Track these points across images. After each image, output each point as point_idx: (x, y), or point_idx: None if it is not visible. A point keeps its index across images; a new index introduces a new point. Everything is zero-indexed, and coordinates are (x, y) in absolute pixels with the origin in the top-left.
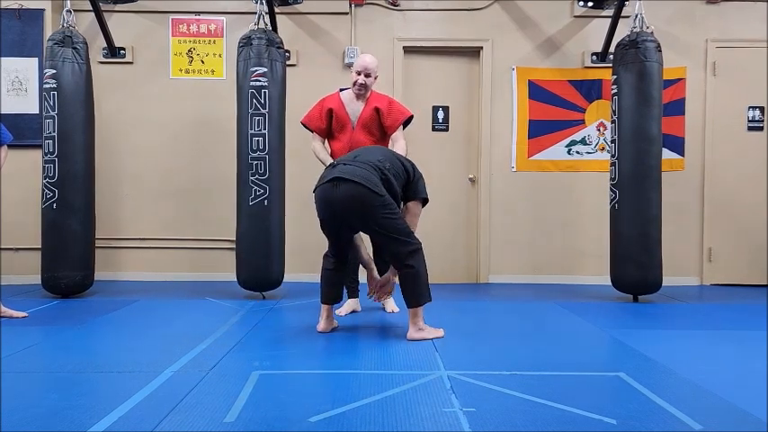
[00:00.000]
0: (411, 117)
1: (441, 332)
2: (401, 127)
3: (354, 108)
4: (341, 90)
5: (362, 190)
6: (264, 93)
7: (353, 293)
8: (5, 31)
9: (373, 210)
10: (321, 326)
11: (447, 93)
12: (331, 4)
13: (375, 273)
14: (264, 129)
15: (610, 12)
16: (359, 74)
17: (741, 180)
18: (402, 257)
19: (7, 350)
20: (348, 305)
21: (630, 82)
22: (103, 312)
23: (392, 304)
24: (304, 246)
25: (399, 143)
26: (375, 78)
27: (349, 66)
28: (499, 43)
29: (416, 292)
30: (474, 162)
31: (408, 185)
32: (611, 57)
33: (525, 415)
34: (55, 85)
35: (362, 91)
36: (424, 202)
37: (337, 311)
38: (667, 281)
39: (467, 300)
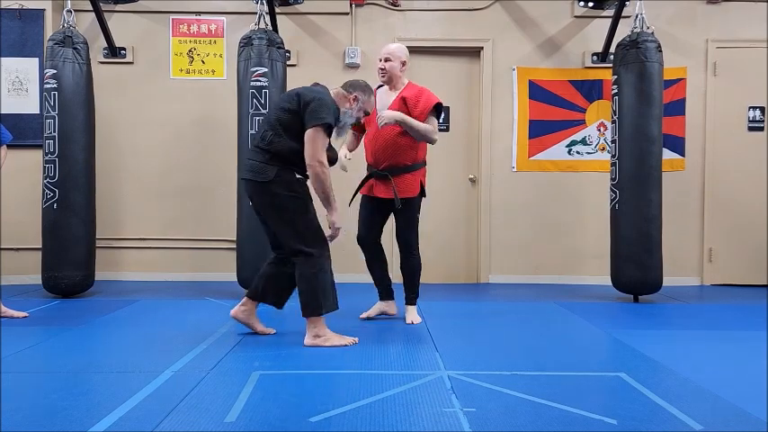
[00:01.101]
0: (439, 104)
1: (347, 340)
2: (432, 116)
3: (385, 101)
4: (378, 87)
5: (251, 185)
6: (265, 93)
7: (385, 296)
8: (6, 31)
9: (264, 206)
10: (233, 310)
11: (447, 93)
12: (332, 5)
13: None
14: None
15: (610, 12)
16: (380, 60)
17: (742, 180)
18: (294, 255)
19: (8, 350)
20: (376, 307)
21: (631, 82)
22: (104, 312)
23: (413, 315)
24: None
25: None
26: (402, 64)
27: (349, 66)
28: (500, 43)
29: (303, 300)
30: (474, 162)
31: (305, 115)
32: (612, 57)
33: (526, 415)
34: (55, 85)
35: (385, 77)
36: (324, 127)
37: (364, 314)
38: (668, 281)
39: (467, 300)
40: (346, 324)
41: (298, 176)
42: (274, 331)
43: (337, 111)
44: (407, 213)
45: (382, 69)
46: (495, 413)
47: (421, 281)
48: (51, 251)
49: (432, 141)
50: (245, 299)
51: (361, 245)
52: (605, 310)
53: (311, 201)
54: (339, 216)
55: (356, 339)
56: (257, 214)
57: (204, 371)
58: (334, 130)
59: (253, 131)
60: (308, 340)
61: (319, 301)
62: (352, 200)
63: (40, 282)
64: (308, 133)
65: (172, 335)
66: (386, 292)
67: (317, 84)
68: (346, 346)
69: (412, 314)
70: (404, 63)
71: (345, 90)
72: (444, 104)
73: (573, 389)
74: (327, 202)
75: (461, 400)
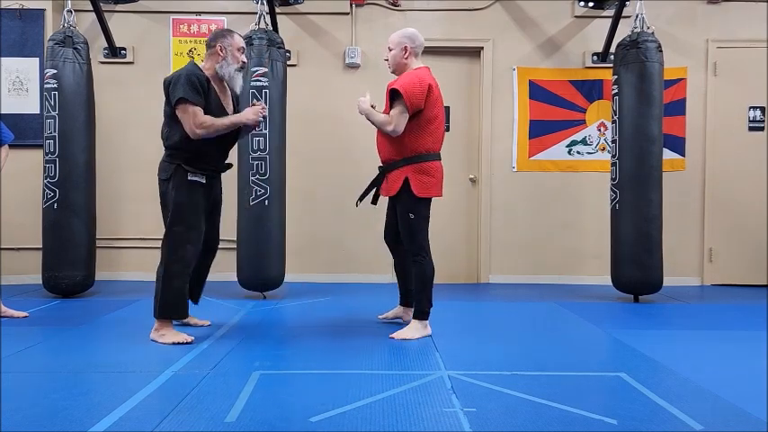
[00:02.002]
0: (396, 90)
1: (181, 337)
2: (397, 104)
3: None
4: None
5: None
6: (265, 93)
7: (402, 300)
8: (6, 31)
9: (162, 201)
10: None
11: (448, 93)
12: (332, 5)
13: None
14: (265, 129)
15: (610, 12)
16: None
17: (742, 180)
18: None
19: (8, 350)
20: (392, 311)
21: (631, 82)
22: (104, 312)
23: (407, 330)
24: (305, 246)
25: (379, 118)
26: (404, 50)
27: (350, 66)
28: (500, 43)
29: (155, 299)
30: (475, 162)
31: (170, 100)
32: (612, 57)
33: (526, 415)
34: (56, 85)
35: (390, 67)
36: (182, 101)
37: (380, 316)
38: (668, 281)
39: (467, 300)
40: (346, 324)
41: (190, 178)
42: (209, 323)
43: (196, 77)
44: (402, 215)
45: (386, 60)
46: (496, 413)
47: None
48: (51, 251)
49: (388, 133)
50: None
51: (387, 244)
52: (605, 310)
53: (194, 210)
54: (238, 116)
55: (189, 338)
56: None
57: (204, 371)
58: (227, 86)
59: (253, 131)
60: (151, 334)
61: (163, 307)
62: (361, 199)
63: (40, 282)
64: (177, 112)
65: None
66: (403, 297)
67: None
68: (179, 343)
69: (405, 330)
70: (405, 48)
71: (208, 49)
72: (445, 104)
73: (573, 389)
74: (226, 127)
75: (462, 400)
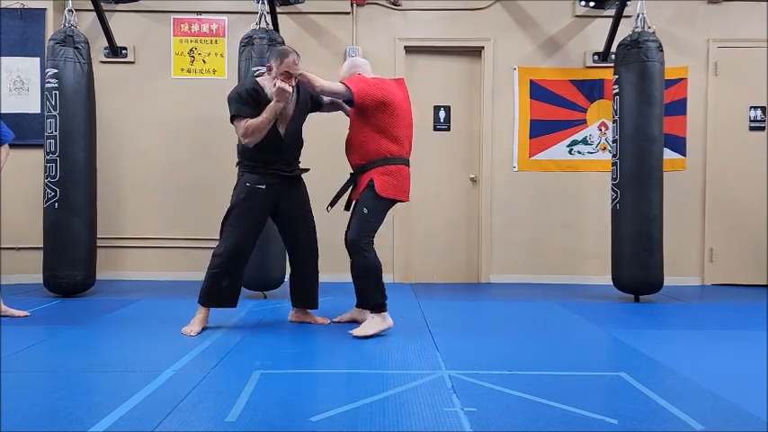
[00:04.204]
0: (347, 86)
1: (197, 328)
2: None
3: None
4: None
5: None
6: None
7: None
8: (7, 31)
9: None
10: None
11: (448, 93)
12: (332, 4)
13: None
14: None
15: (611, 11)
16: None
17: (742, 180)
18: None
19: (8, 349)
20: (349, 314)
21: (632, 82)
22: (105, 312)
23: (363, 327)
24: None
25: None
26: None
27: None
28: (500, 43)
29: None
30: (475, 162)
31: None
32: (613, 56)
33: (526, 415)
34: (56, 85)
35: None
36: (234, 119)
37: (335, 319)
38: (668, 281)
39: (468, 299)
40: (357, 322)
41: (248, 184)
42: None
43: (246, 91)
44: (358, 208)
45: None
46: (496, 413)
47: (421, 280)
48: (52, 250)
49: (313, 86)
50: None
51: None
52: (606, 310)
53: (245, 213)
54: (270, 105)
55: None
56: None
57: (205, 370)
58: (276, 102)
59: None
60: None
61: (205, 294)
62: (332, 205)
63: (40, 281)
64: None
65: (172, 334)
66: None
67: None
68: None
69: (364, 326)
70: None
71: (266, 62)
72: (445, 104)
73: (574, 389)
74: (267, 120)
75: (462, 399)
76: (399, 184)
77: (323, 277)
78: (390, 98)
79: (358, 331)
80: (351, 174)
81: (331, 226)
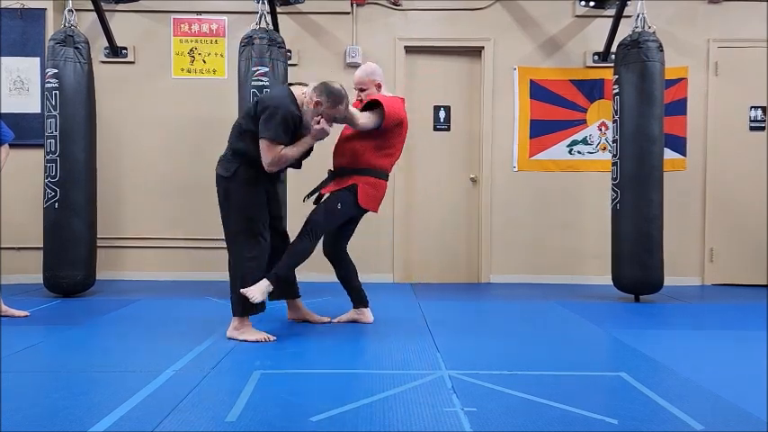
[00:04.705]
0: (373, 102)
1: (262, 335)
2: (371, 111)
3: None
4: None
5: (216, 176)
6: (266, 92)
7: (355, 303)
8: (7, 31)
9: (218, 198)
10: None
11: (448, 92)
12: (333, 4)
13: None
14: None
15: (611, 11)
16: (356, 91)
17: (743, 180)
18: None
19: (8, 349)
20: (348, 315)
21: (632, 82)
22: (105, 312)
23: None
24: None
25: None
26: (377, 87)
27: (350, 65)
28: (501, 43)
29: (232, 300)
30: (475, 162)
31: (259, 123)
32: (613, 56)
33: (526, 415)
34: (57, 85)
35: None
36: (268, 140)
37: (335, 319)
38: (669, 281)
39: (468, 299)
40: (347, 324)
41: (252, 175)
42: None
43: (291, 117)
44: (331, 199)
45: (360, 100)
46: (496, 413)
47: (421, 280)
48: (52, 250)
49: (352, 124)
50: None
51: (326, 256)
52: (606, 310)
53: (260, 205)
54: (304, 141)
55: (271, 337)
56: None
57: (205, 370)
58: (311, 138)
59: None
60: (229, 331)
61: (241, 304)
62: (308, 196)
63: (41, 281)
64: (260, 142)
65: (173, 334)
66: (354, 300)
67: (300, 84)
68: (260, 341)
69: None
70: (379, 85)
71: (314, 90)
72: (445, 104)
73: (574, 389)
74: (298, 154)
75: (462, 399)
76: (378, 197)
77: (321, 277)
78: (403, 120)
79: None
80: (330, 171)
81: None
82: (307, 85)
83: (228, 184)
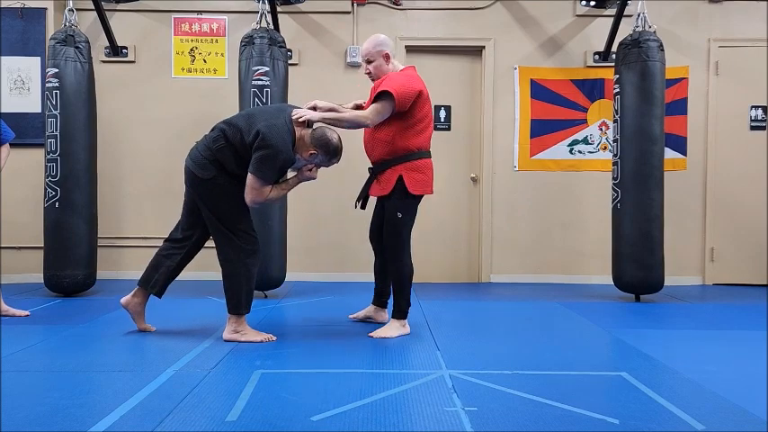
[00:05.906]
0: (385, 92)
1: (263, 336)
2: (383, 102)
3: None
4: None
5: (188, 172)
6: (267, 92)
7: (376, 300)
8: (8, 30)
9: (198, 196)
10: (123, 299)
11: (449, 92)
12: (333, 4)
13: None
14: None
15: (612, 11)
16: (364, 63)
17: (744, 180)
18: (221, 256)
19: (9, 349)
20: (364, 311)
21: (633, 81)
22: (105, 311)
23: (387, 329)
24: (306, 245)
25: (354, 114)
26: (385, 58)
27: (351, 65)
28: (501, 42)
29: (227, 297)
30: (476, 161)
31: (252, 154)
32: (614, 56)
33: (527, 414)
34: (57, 84)
35: (373, 79)
36: (263, 180)
37: (351, 316)
38: (669, 280)
39: (468, 299)
40: (347, 323)
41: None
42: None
43: (288, 161)
44: (390, 212)
45: (368, 73)
46: (497, 412)
47: (422, 280)
48: (53, 250)
49: (362, 125)
50: (135, 291)
51: (371, 244)
52: (607, 310)
53: (244, 204)
54: (290, 183)
55: (273, 337)
56: (187, 195)
57: (205, 370)
58: (296, 180)
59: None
60: (225, 334)
61: (242, 300)
62: (358, 201)
63: (41, 280)
64: (249, 177)
65: (173, 334)
66: (377, 296)
67: (298, 110)
68: (263, 342)
69: (385, 329)
70: (387, 56)
71: (312, 138)
72: (446, 104)
73: (574, 388)
74: (282, 195)
75: (463, 399)
76: (428, 179)
77: (320, 276)
78: (422, 91)
79: (378, 333)
80: (370, 169)
81: (331, 226)
82: (310, 127)
83: (206, 187)
